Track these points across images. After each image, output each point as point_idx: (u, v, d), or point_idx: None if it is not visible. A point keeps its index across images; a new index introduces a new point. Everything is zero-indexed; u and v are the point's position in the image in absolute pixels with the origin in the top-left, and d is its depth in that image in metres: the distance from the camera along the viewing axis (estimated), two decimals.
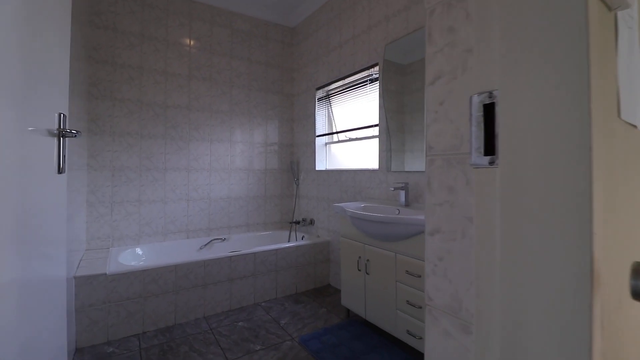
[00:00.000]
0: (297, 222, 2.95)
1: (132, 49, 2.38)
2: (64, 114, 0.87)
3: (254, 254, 2.26)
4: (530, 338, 0.38)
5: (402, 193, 1.87)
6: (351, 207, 1.94)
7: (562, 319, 0.36)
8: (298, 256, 2.46)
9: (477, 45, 0.46)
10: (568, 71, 0.36)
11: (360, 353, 1.62)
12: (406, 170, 1.98)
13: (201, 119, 2.68)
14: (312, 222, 2.87)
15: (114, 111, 2.32)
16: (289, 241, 2.84)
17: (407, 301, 1.55)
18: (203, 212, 2.70)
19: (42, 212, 0.77)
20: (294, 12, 3.04)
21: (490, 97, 0.44)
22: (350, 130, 2.58)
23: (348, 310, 2.08)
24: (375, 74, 2.23)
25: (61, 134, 0.85)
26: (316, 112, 2.88)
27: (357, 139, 2.54)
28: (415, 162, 1.96)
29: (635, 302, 0.41)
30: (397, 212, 1.80)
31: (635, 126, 0.51)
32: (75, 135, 0.87)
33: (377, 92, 2.21)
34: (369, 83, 2.32)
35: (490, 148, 0.44)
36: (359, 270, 1.86)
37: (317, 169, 2.85)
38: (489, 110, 0.44)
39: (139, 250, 2.36)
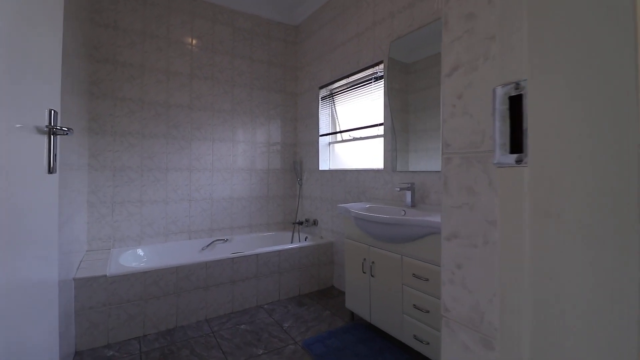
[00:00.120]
0: (300, 223, 2.91)
1: (133, 47, 2.35)
2: (55, 110, 0.82)
3: (257, 255, 2.22)
4: None
5: (408, 193, 1.83)
6: (355, 207, 1.90)
7: (608, 340, 0.31)
8: (301, 257, 2.42)
9: (501, 31, 0.41)
10: (614, 54, 0.31)
11: (365, 357, 1.58)
12: (410, 170, 1.94)
13: (203, 119, 2.65)
14: (315, 222, 2.83)
15: (115, 110, 2.29)
16: (292, 242, 2.80)
17: (414, 305, 1.50)
18: (205, 212, 2.67)
19: (31, 213, 0.74)
20: (297, 10, 3.00)
21: (517, 88, 0.39)
22: (354, 129, 2.53)
23: (352, 313, 2.03)
24: (380, 71, 2.18)
25: (52, 131, 0.80)
26: (319, 111, 2.84)
27: (361, 138, 2.50)
28: (420, 162, 1.92)
29: None
30: (403, 213, 1.75)
31: None
32: (67, 133, 0.83)
33: (382, 91, 2.17)
34: (374, 81, 2.27)
35: (517, 145, 0.40)
36: (364, 272, 1.82)
37: (320, 168, 2.80)
38: (515, 103, 0.40)
39: (140, 252, 2.33)
